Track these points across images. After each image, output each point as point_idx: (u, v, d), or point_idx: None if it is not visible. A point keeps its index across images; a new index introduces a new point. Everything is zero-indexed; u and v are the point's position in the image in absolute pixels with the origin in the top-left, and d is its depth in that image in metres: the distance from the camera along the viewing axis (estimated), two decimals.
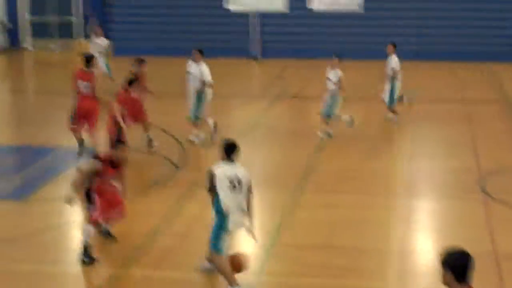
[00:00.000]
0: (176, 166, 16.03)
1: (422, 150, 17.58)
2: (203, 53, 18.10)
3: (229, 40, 30.04)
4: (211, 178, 10.03)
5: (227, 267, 10.12)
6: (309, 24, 29.86)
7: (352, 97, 20.37)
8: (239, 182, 10.04)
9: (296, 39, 29.72)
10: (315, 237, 12.36)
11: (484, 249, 11.81)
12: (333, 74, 18.11)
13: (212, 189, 10.05)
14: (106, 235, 11.83)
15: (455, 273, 6.21)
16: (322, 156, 16.86)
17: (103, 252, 11.49)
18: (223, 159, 10.21)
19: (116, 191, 11.28)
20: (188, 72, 18.04)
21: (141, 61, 18.03)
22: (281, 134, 19.02)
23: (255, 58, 29.47)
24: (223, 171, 10.04)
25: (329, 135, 18.05)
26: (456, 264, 6.22)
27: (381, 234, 12.53)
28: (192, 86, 17.87)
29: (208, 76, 17.84)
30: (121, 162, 11.28)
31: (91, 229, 11.14)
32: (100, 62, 22.28)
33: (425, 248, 12.22)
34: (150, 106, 17.63)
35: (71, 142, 16.81)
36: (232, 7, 29.70)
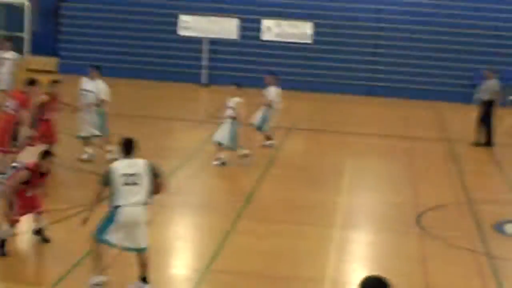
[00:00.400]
0: None
1: (362, 183, 17.73)
2: (101, 70, 18.15)
3: (181, 65, 30.07)
4: (107, 173, 10.43)
5: (102, 257, 10.63)
6: (260, 53, 30.02)
7: (296, 127, 20.40)
8: (136, 175, 10.43)
9: (245, 67, 29.85)
10: (249, 265, 12.34)
11: (418, 282, 11.94)
12: (232, 102, 18.12)
13: (107, 183, 10.42)
14: (38, 236, 12.49)
15: None
16: (264, 185, 16.89)
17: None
18: (122, 155, 10.66)
19: (36, 197, 12.20)
20: (82, 89, 17.85)
21: (55, 82, 17.60)
22: (226, 160, 18.98)
23: (204, 84, 29.52)
24: (119, 167, 10.47)
25: (223, 163, 17.98)
26: None
27: (315, 264, 12.56)
28: (86, 104, 17.70)
29: (105, 94, 17.80)
30: (47, 171, 12.16)
31: (9, 228, 11.95)
32: (7, 76, 21.88)
33: (358, 279, 12.23)
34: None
35: None
36: (184, 32, 29.76)
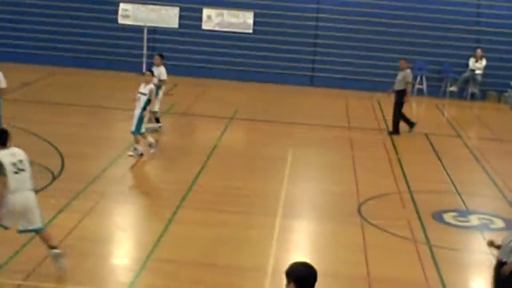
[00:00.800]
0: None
1: (304, 172, 17.76)
2: None
3: (121, 54, 29.75)
4: (1, 164, 10.60)
5: None
6: (200, 43, 29.89)
7: (238, 117, 20.33)
8: (21, 162, 10.77)
9: (187, 57, 29.69)
10: (190, 254, 12.28)
11: (359, 271, 12.04)
12: (145, 88, 17.96)
13: (3, 174, 10.63)
14: None
15: (298, 284, 6.31)
16: (206, 174, 16.81)
17: None
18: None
19: None
20: None
21: None
22: (167, 150, 18.89)
23: (143, 73, 29.24)
24: (5, 157, 10.67)
25: (139, 153, 17.69)
26: (300, 275, 6.35)
27: (257, 253, 12.56)
28: None
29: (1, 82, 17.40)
30: None
31: None
32: None
33: None
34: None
35: None
36: (124, 21, 29.45)
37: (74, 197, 14.35)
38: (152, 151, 17.78)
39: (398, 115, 22.04)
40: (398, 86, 22.06)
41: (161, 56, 21.00)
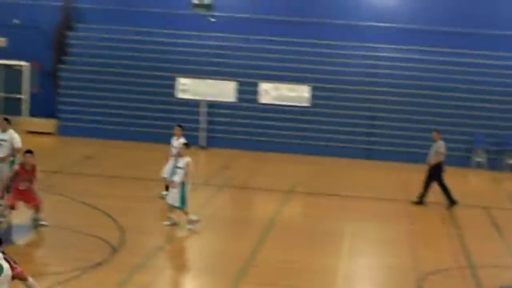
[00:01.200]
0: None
1: (362, 247, 17.62)
2: (9, 121, 18.40)
3: (189, 128, 29.91)
4: None
5: None
6: (257, 116, 30.11)
7: (295, 190, 20.28)
8: None
9: (244, 130, 29.92)
10: None
11: None
12: (181, 163, 18.04)
13: None
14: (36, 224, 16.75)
15: None
16: (263, 248, 16.76)
17: None
18: None
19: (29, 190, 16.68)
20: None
21: (28, 152, 17.20)
22: (224, 223, 18.94)
23: (202, 146, 29.56)
24: None
25: (174, 223, 17.78)
26: None
27: None
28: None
29: (18, 143, 17.81)
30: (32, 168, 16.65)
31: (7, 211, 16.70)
32: None
33: None
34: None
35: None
36: (182, 95, 29.89)
37: (134, 271, 14.41)
38: (190, 227, 17.78)
39: (442, 186, 21.76)
40: (433, 159, 21.88)
41: (181, 127, 20.85)
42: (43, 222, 16.88)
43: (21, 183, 16.71)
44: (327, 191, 23.15)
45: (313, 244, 17.40)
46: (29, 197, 16.80)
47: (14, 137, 17.98)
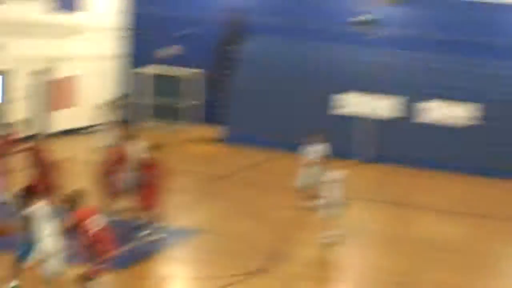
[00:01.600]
0: None
1: None
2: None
3: (345, 143, 29.71)
4: None
5: None
6: (419, 133, 29.49)
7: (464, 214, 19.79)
8: None
9: (408, 147, 29.38)
10: None
11: None
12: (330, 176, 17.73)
13: None
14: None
15: None
16: (424, 266, 16.50)
17: None
18: None
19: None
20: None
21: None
22: (383, 239, 18.79)
23: (368, 161, 29.27)
24: None
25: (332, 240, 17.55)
26: None
27: None
28: None
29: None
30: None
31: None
32: None
33: None
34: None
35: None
36: (345, 111, 29.76)
37: (291, 278, 14.56)
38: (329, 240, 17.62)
39: None
40: None
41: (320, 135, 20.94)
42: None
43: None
44: (491, 212, 22.34)
45: (478, 268, 17.00)
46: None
47: None
